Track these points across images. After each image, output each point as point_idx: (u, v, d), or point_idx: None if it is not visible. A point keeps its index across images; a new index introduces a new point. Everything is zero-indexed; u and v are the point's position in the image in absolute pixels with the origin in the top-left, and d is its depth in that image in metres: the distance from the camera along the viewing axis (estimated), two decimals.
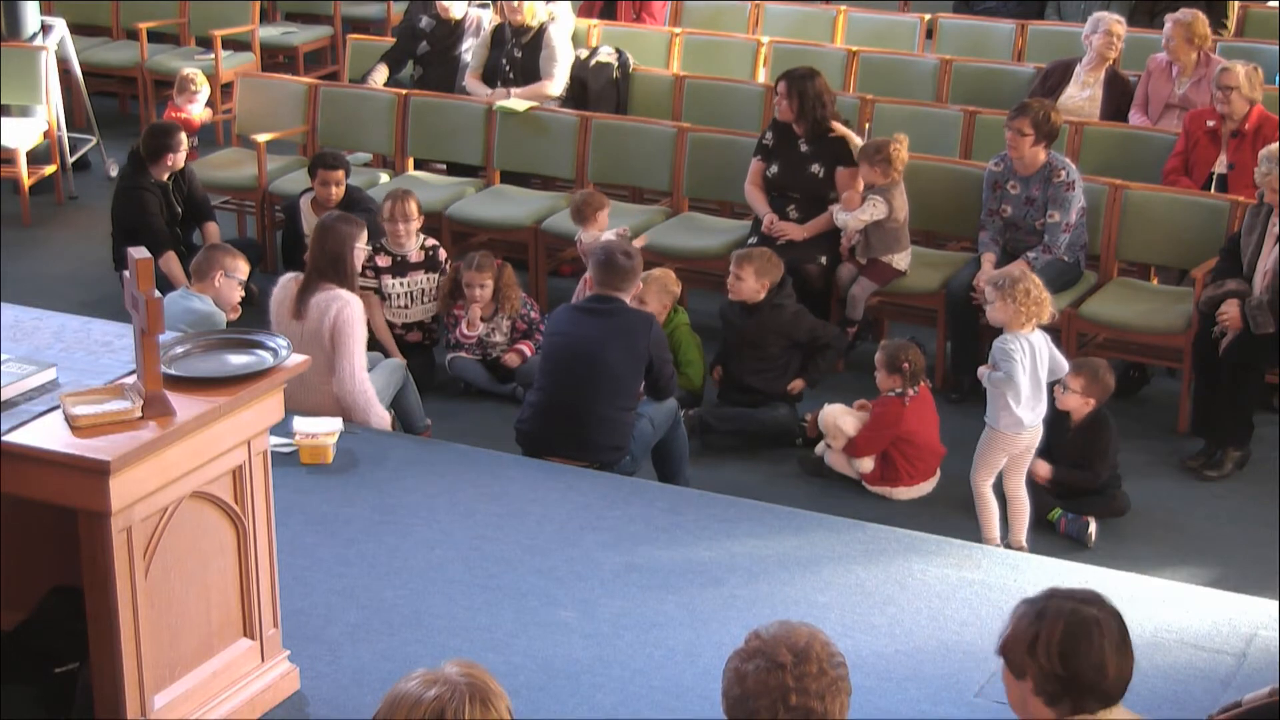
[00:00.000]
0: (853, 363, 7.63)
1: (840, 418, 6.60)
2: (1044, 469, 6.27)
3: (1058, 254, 7.31)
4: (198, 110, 9.87)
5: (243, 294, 7.07)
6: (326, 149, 8.58)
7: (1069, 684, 3.05)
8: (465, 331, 7.43)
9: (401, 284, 7.60)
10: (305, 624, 4.98)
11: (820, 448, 6.72)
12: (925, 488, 6.57)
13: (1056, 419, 6.29)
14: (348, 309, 6.41)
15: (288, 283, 6.64)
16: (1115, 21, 8.70)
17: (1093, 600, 3.11)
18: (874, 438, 6.53)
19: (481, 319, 7.45)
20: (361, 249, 6.70)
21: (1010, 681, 3.14)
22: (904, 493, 6.53)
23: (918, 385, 6.58)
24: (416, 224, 7.58)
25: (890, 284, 7.61)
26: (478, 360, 7.46)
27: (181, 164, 8.26)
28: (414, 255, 7.59)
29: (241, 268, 7.04)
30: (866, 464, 6.57)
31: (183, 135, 8.28)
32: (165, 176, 8.21)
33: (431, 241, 7.71)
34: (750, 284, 6.99)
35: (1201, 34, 8.52)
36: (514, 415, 6.56)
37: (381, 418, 6.48)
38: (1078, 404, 6.29)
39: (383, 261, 7.57)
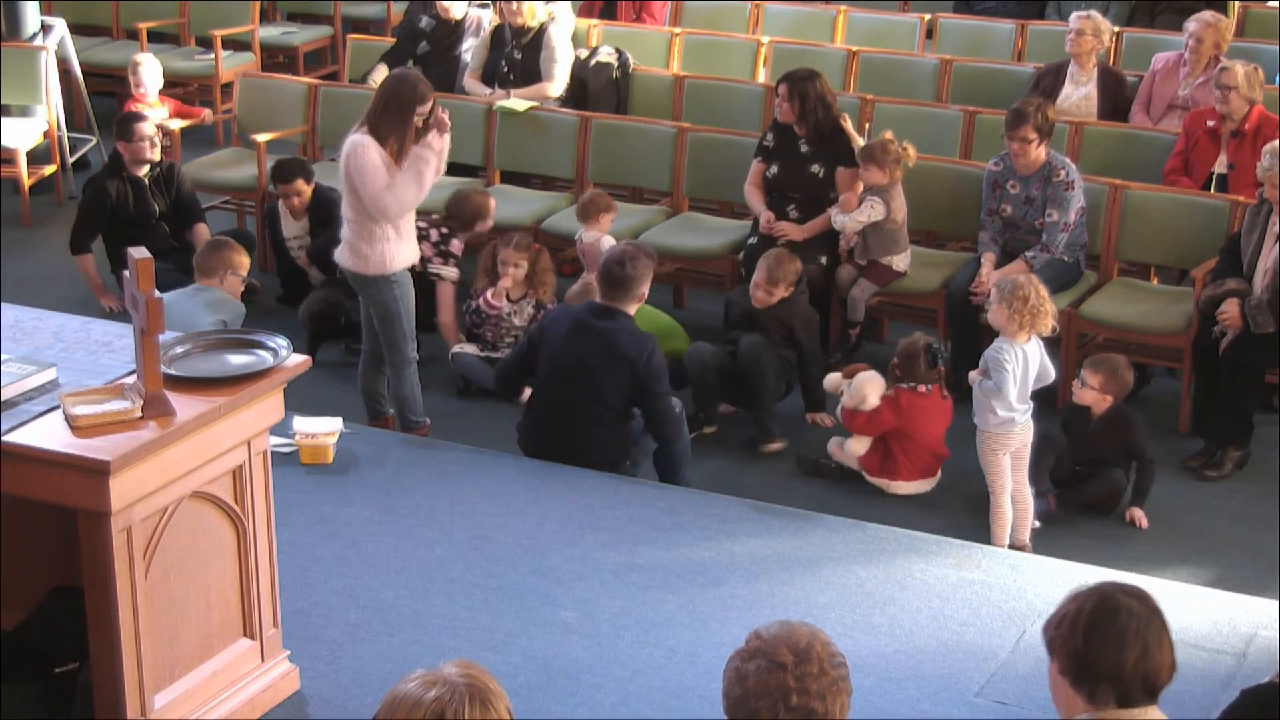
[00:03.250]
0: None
1: (870, 383, 6.55)
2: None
3: (1056, 254, 7.31)
4: (152, 96, 9.68)
5: (244, 289, 7.13)
6: (282, 159, 8.50)
7: (1088, 664, 3.06)
8: (490, 301, 7.41)
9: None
10: (305, 624, 4.99)
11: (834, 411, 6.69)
12: (923, 485, 6.57)
13: (1077, 412, 6.37)
14: (357, 155, 6.31)
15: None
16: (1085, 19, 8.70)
17: (1136, 594, 3.11)
18: (872, 419, 6.53)
19: (510, 300, 7.45)
20: (422, 112, 6.41)
21: (1050, 665, 3.15)
22: (901, 486, 6.54)
23: (930, 385, 6.57)
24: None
25: (890, 284, 7.62)
26: (482, 358, 7.43)
27: (148, 154, 8.18)
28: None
29: (245, 264, 7.13)
30: (859, 447, 6.57)
31: (142, 125, 8.19)
32: (140, 171, 8.19)
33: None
34: (779, 293, 6.95)
35: (1227, 38, 8.54)
36: (514, 415, 6.55)
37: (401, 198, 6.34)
38: (1094, 399, 6.34)
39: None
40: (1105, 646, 3.04)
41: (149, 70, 9.75)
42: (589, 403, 6.14)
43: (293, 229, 8.28)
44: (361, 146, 6.34)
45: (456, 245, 7.78)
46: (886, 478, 6.56)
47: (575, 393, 6.15)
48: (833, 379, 6.73)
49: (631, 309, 6.26)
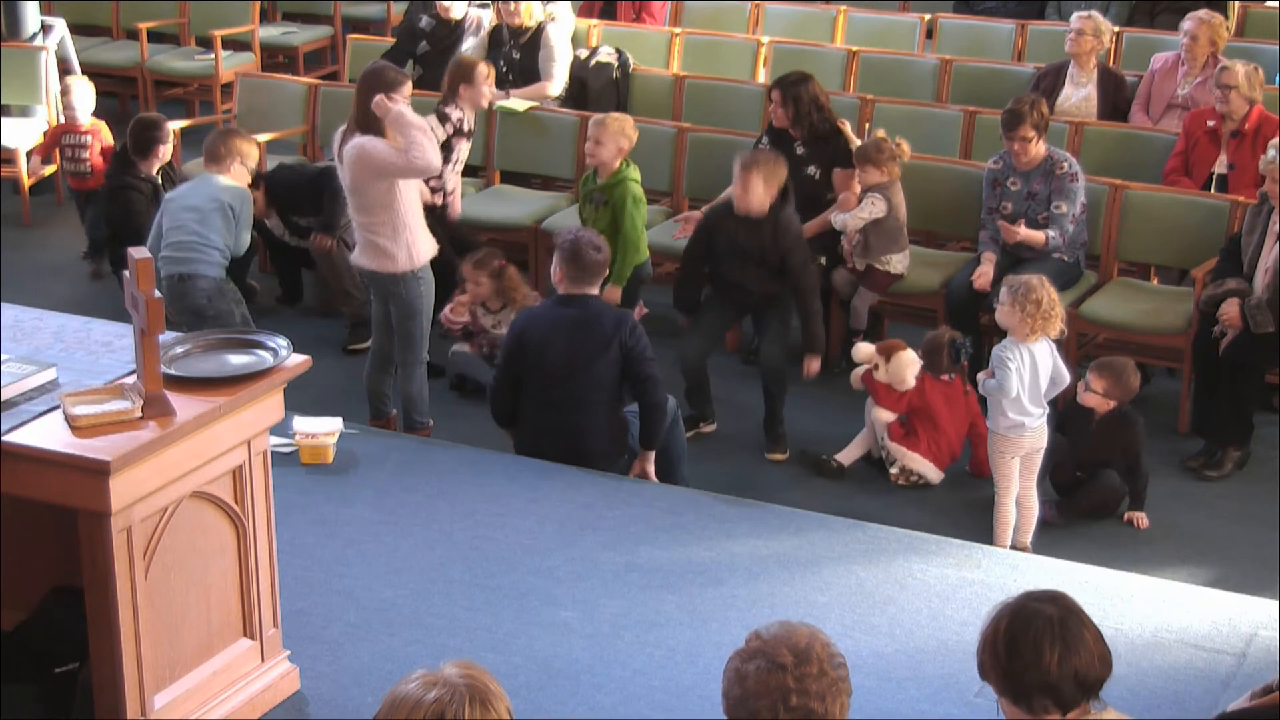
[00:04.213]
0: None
1: (909, 367, 6.59)
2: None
3: (1066, 242, 7.29)
4: (83, 119, 9.22)
5: (250, 180, 7.34)
6: None
7: (1016, 679, 3.07)
8: (449, 316, 7.44)
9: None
10: (305, 624, 4.99)
11: (865, 366, 6.72)
12: (933, 472, 6.59)
13: (1079, 414, 6.37)
14: (367, 154, 6.40)
15: (340, 133, 6.65)
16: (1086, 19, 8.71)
17: (1047, 598, 3.11)
18: (894, 392, 6.60)
19: (491, 312, 7.44)
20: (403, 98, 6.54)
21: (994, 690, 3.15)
22: (916, 461, 6.58)
23: (953, 375, 6.63)
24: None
25: (890, 287, 7.61)
26: (480, 356, 7.41)
27: (170, 156, 8.22)
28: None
29: (254, 155, 7.29)
30: (887, 415, 6.63)
31: (168, 125, 8.22)
32: (155, 170, 8.19)
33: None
34: (759, 193, 6.77)
35: (1223, 36, 8.54)
36: None
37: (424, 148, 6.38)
38: (1098, 403, 6.33)
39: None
40: (1025, 658, 3.05)
41: (80, 93, 9.31)
42: (585, 392, 6.11)
43: (273, 223, 8.31)
44: (368, 144, 6.41)
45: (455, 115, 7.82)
46: (907, 446, 6.60)
47: (568, 387, 6.12)
48: (865, 350, 6.73)
49: (597, 290, 6.26)
